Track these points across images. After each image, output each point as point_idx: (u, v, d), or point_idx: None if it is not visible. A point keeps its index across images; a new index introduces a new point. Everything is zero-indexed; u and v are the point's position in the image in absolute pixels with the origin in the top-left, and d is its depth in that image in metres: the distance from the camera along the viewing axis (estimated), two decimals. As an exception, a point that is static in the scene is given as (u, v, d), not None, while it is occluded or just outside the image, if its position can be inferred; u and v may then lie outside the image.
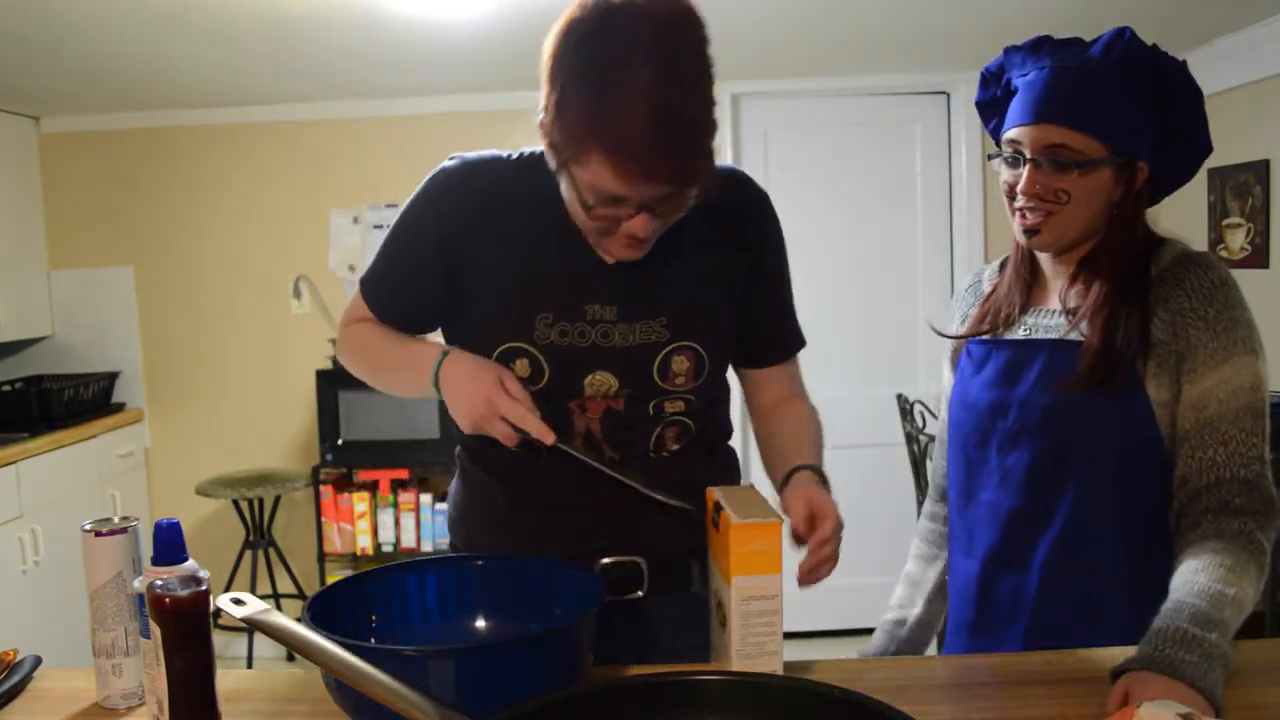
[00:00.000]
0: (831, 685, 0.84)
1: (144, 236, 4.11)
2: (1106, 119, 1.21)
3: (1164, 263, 1.26)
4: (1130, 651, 1.06)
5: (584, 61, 1.01)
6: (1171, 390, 1.21)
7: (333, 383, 3.76)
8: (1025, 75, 1.28)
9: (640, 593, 1.24)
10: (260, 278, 4.10)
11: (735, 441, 1.41)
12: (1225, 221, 3.46)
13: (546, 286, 1.20)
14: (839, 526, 1.13)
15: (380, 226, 4.05)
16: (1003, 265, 1.43)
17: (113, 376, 4.09)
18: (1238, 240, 3.39)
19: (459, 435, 1.31)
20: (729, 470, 1.37)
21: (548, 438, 1.13)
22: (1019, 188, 1.25)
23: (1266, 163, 3.24)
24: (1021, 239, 1.29)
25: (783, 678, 0.92)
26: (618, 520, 1.25)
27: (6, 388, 3.80)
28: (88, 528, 1.15)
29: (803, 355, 1.41)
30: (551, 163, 1.12)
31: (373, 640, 1.20)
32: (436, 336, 1.34)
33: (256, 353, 4.12)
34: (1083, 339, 1.24)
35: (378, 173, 4.05)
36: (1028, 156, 1.23)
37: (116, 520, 1.16)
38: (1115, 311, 1.22)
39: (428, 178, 1.27)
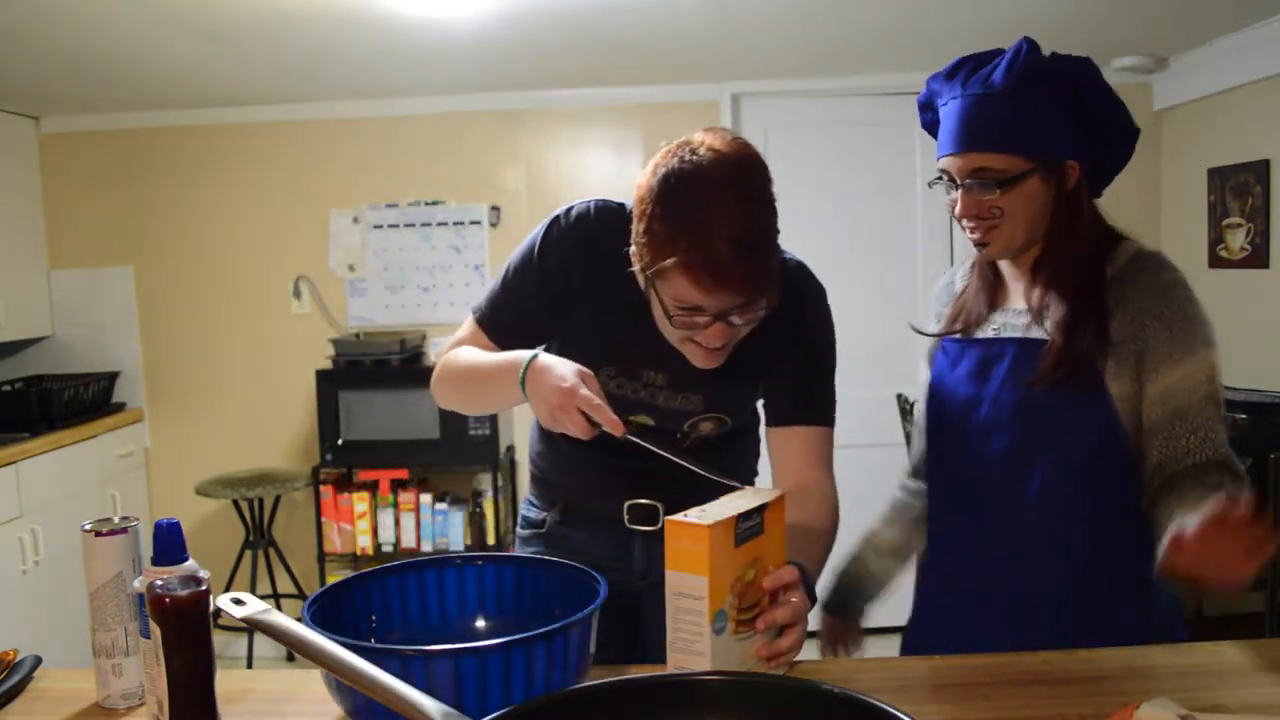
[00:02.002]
0: (831, 685, 0.84)
1: (144, 236, 4.11)
2: (1019, 135, 1.30)
3: (1120, 263, 1.35)
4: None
5: (669, 194, 1.19)
6: (1133, 385, 1.29)
7: (333, 383, 3.76)
8: (945, 105, 1.37)
9: (655, 527, 1.46)
10: (260, 278, 4.10)
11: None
12: (1225, 221, 3.46)
13: (615, 348, 1.41)
14: (797, 616, 1.13)
15: (380, 226, 4.06)
16: (974, 264, 1.50)
17: (113, 376, 4.09)
18: (1238, 240, 3.39)
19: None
20: (745, 461, 1.57)
21: (617, 430, 1.23)
22: (956, 210, 1.35)
23: (1266, 163, 3.24)
24: (975, 253, 1.40)
25: (783, 678, 0.93)
26: (644, 473, 1.43)
27: (6, 388, 3.80)
28: (88, 528, 1.15)
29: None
30: (640, 280, 1.27)
31: (373, 640, 1.20)
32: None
33: (256, 353, 4.12)
34: (1046, 336, 1.33)
35: (378, 173, 4.05)
36: (958, 182, 1.34)
37: (116, 520, 1.16)
38: (1075, 312, 1.31)
39: (545, 224, 1.42)
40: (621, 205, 1.40)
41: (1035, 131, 1.31)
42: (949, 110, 1.36)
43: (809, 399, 1.42)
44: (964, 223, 1.36)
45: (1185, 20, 3.11)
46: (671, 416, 1.44)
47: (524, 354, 1.32)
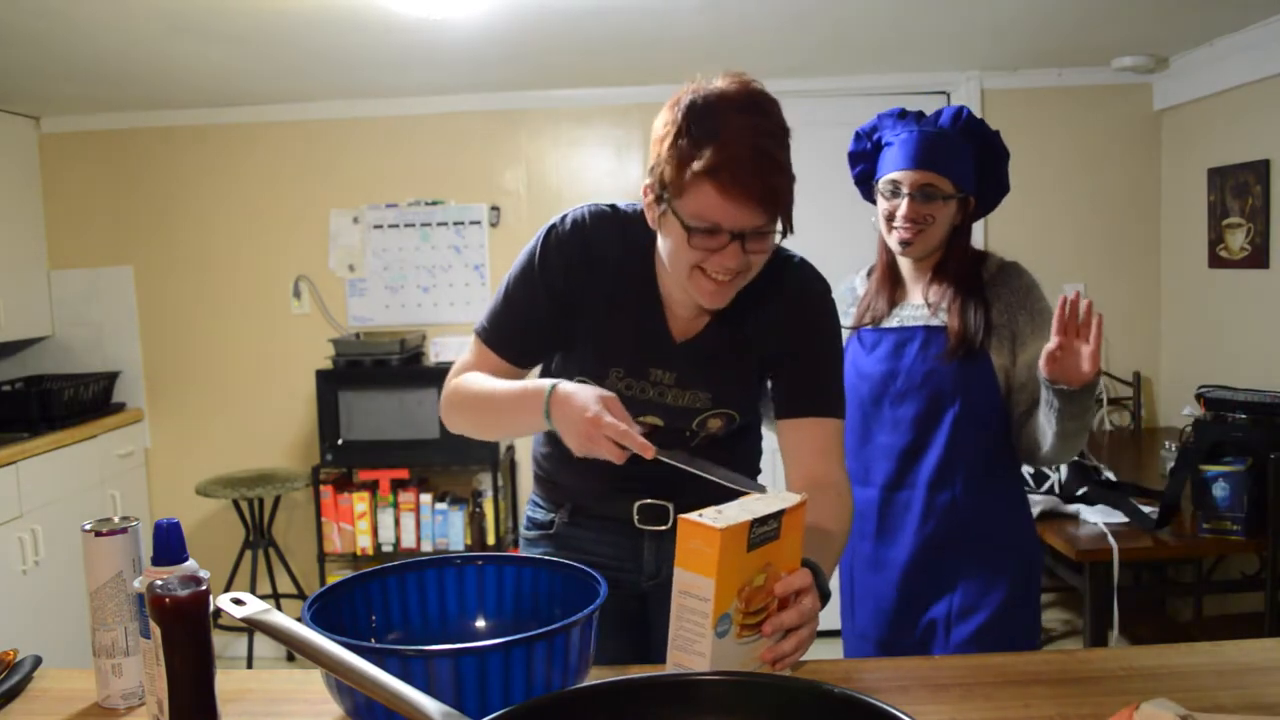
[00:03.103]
0: (831, 685, 0.84)
1: (144, 236, 4.11)
2: (955, 167, 1.77)
3: (991, 269, 1.84)
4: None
5: (693, 115, 1.24)
6: (1009, 357, 1.78)
7: (333, 383, 3.76)
8: (899, 135, 1.79)
9: (665, 526, 1.49)
10: (260, 278, 4.10)
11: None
12: (1225, 221, 3.46)
13: (624, 349, 1.42)
14: (805, 620, 1.12)
15: (380, 226, 4.06)
16: (870, 272, 1.95)
17: (113, 376, 4.09)
18: (1238, 240, 3.39)
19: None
20: (750, 459, 1.57)
21: (648, 453, 1.23)
22: (900, 213, 1.77)
23: (1266, 163, 3.24)
24: (898, 249, 1.82)
25: (783, 678, 0.92)
26: (654, 473, 1.39)
27: (6, 388, 3.80)
28: (88, 528, 1.15)
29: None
30: (655, 212, 1.30)
31: (373, 640, 1.20)
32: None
33: (256, 353, 4.12)
34: (943, 324, 1.79)
35: (378, 173, 4.05)
36: (905, 191, 1.76)
37: (116, 520, 1.16)
38: (965, 304, 1.79)
39: (542, 234, 1.42)
40: (613, 206, 1.42)
41: (963, 169, 1.78)
42: (905, 139, 1.78)
43: (820, 390, 1.43)
44: (899, 224, 1.77)
45: (1185, 20, 3.11)
46: (680, 415, 1.44)
47: (544, 384, 1.31)
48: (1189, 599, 3.37)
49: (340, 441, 3.76)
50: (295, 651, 0.89)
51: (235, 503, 3.86)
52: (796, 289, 1.43)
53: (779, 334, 1.41)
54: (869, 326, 1.88)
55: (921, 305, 1.84)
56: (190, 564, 1.08)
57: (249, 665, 3.87)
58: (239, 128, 4.05)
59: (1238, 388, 2.68)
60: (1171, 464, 2.59)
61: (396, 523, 3.84)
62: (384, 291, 4.09)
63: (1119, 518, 2.54)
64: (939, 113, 1.81)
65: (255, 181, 4.07)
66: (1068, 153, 3.91)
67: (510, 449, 4.08)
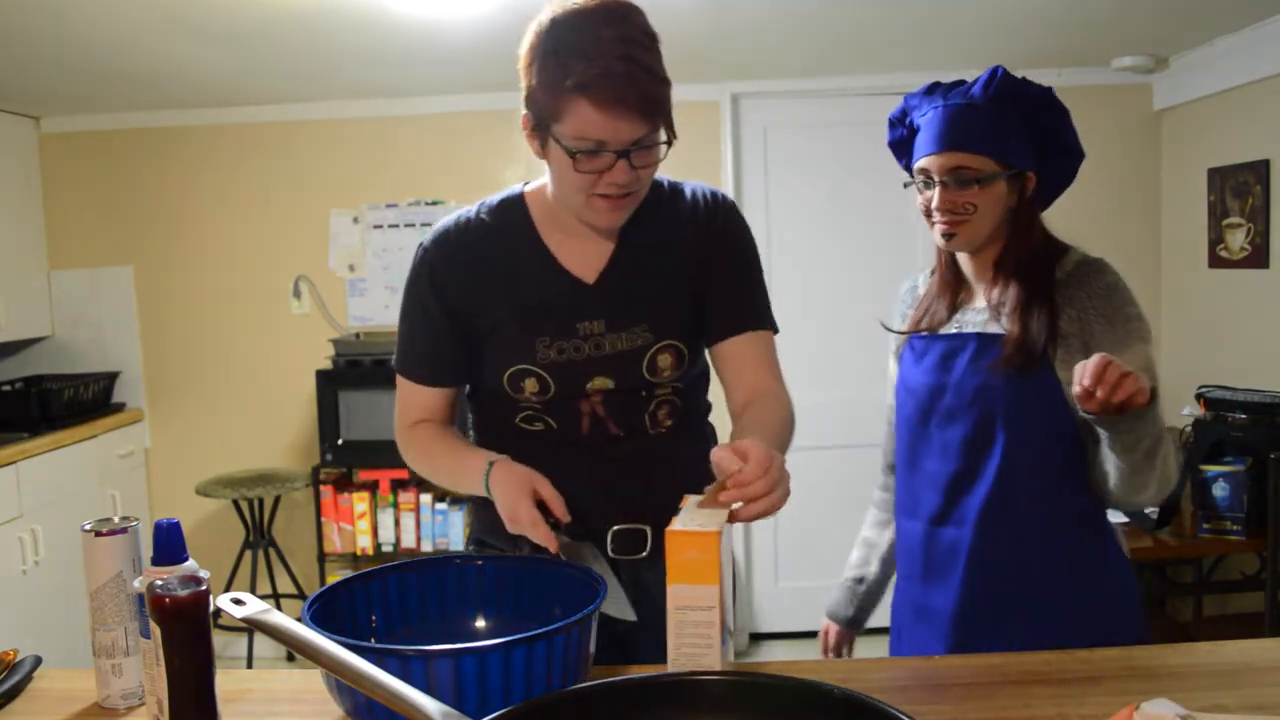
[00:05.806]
0: (831, 685, 0.85)
1: (144, 236, 4.11)
2: (993, 141, 1.48)
3: (1068, 267, 1.51)
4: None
5: (557, 36, 1.21)
6: None
7: (333, 383, 3.76)
8: (924, 115, 1.54)
9: (644, 554, 1.36)
10: (260, 278, 4.10)
11: (714, 418, 1.54)
12: (1225, 221, 3.46)
13: (539, 314, 1.37)
14: (765, 464, 1.10)
15: (380, 226, 4.06)
16: (934, 270, 1.67)
17: (113, 376, 4.09)
18: (1238, 240, 3.39)
19: (475, 426, 1.52)
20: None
21: (551, 546, 1.26)
22: (933, 204, 1.51)
23: (1266, 163, 3.24)
24: (941, 243, 1.55)
25: (783, 678, 0.92)
26: (629, 492, 1.39)
27: (6, 388, 3.80)
28: (88, 528, 1.15)
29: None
30: (536, 143, 1.30)
31: (373, 640, 1.20)
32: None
33: (256, 353, 4.12)
34: (1003, 331, 1.49)
35: (378, 173, 4.05)
36: (937, 180, 1.50)
37: (116, 520, 1.16)
38: (1029, 307, 1.47)
39: (414, 261, 1.43)
40: (476, 206, 1.44)
41: (1006, 141, 1.49)
42: (930, 118, 1.52)
43: (750, 304, 1.44)
44: (936, 216, 1.51)
45: (1185, 20, 3.11)
46: (626, 362, 1.37)
47: (480, 464, 1.33)
48: (1189, 599, 3.37)
49: (340, 441, 3.76)
50: (295, 651, 0.89)
51: (235, 503, 3.85)
52: (712, 211, 1.43)
53: (701, 253, 1.40)
54: (923, 333, 1.60)
55: (985, 309, 1.54)
56: (190, 564, 1.08)
57: (249, 665, 3.87)
58: (239, 128, 4.04)
59: (1238, 388, 2.68)
60: (1171, 464, 2.59)
61: (396, 523, 3.84)
62: (384, 291, 4.08)
63: (1119, 518, 2.54)
64: (974, 81, 1.53)
65: (255, 181, 4.07)
66: (1068, 153, 3.91)
67: (510, 449, 4.08)
